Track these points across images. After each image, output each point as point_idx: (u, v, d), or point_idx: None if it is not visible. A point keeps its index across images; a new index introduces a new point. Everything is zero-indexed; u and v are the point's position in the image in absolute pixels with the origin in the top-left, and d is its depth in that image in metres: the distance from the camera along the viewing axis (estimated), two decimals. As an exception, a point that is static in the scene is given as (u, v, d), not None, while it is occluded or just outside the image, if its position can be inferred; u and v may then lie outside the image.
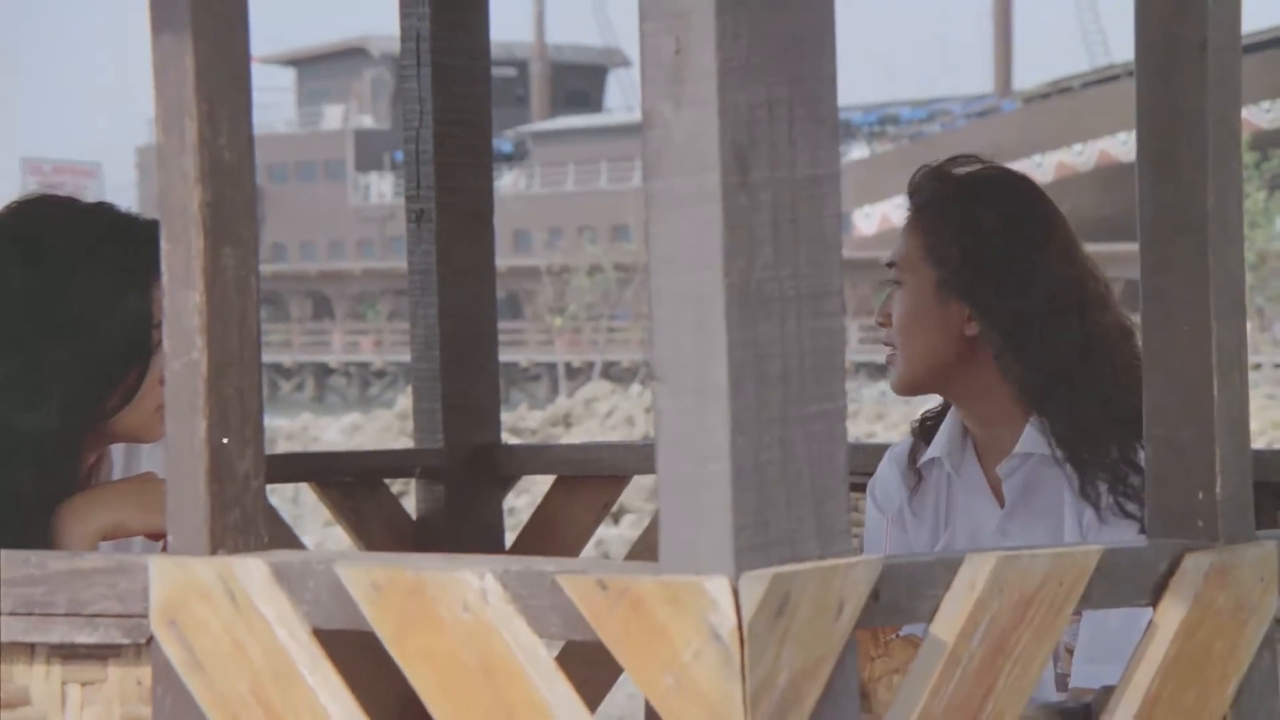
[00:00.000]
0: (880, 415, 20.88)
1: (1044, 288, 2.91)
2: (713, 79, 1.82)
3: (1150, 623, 2.18)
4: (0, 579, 2.23)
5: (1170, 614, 2.17)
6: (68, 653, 2.22)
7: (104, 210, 2.77)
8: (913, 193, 3.02)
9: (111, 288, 2.67)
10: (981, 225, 2.93)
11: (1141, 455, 2.83)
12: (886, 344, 3.00)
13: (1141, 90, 2.27)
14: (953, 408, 3.03)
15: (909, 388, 2.99)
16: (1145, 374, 2.29)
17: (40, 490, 2.63)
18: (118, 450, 2.85)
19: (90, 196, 2.87)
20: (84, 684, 2.23)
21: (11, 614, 2.23)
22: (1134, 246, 2.30)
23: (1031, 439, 2.92)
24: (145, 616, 2.16)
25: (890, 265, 3.01)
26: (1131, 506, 2.83)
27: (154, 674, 2.17)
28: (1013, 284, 2.90)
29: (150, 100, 2.16)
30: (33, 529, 2.60)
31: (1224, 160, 2.25)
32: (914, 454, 3.06)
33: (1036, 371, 2.90)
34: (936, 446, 3.03)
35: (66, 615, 2.21)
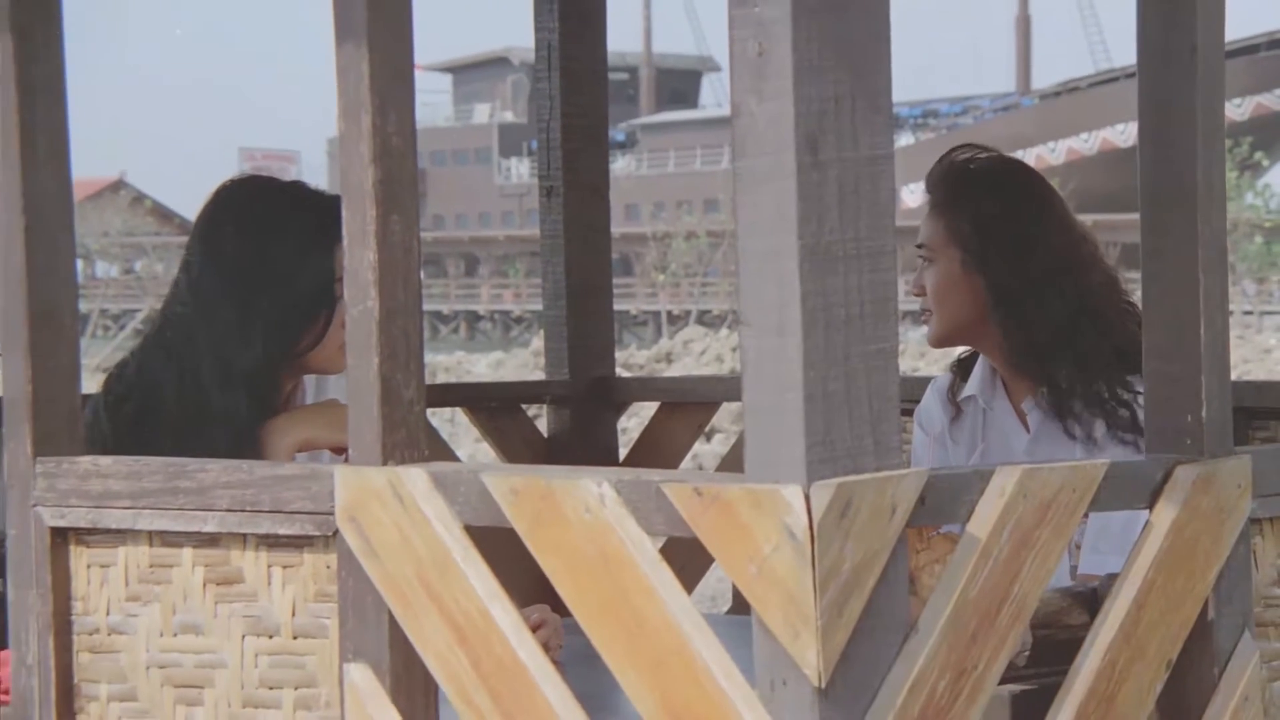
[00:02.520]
0: (923, 354, 20.77)
1: (1036, 259, 2.86)
2: (789, 77, 1.80)
3: (1147, 523, 2.15)
4: (221, 483, 2.24)
5: (1164, 515, 2.14)
6: (272, 542, 2.23)
7: (295, 187, 2.77)
8: (932, 186, 2.97)
9: (301, 249, 2.67)
10: (988, 211, 2.89)
11: (1124, 388, 2.80)
12: (923, 309, 2.98)
13: (1142, 85, 2.23)
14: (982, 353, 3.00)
15: (943, 343, 2.98)
16: (1144, 317, 2.26)
17: (252, 412, 2.64)
18: (309, 380, 2.86)
19: (289, 178, 2.87)
20: (284, 566, 2.23)
21: (228, 510, 2.24)
22: (1131, 216, 2.26)
23: None
24: (332, 514, 2.17)
25: (920, 246, 2.98)
26: (1126, 435, 2.79)
27: (339, 560, 2.17)
28: (1017, 258, 2.87)
29: (335, 97, 2.16)
30: (245, 442, 2.62)
31: (1210, 143, 2.21)
32: (953, 388, 3.04)
33: (1023, 334, 2.86)
34: (971, 385, 3.00)
35: (271, 512, 2.22)
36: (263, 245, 2.67)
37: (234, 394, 2.62)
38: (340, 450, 2.68)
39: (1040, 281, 2.85)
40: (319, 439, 2.67)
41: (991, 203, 2.89)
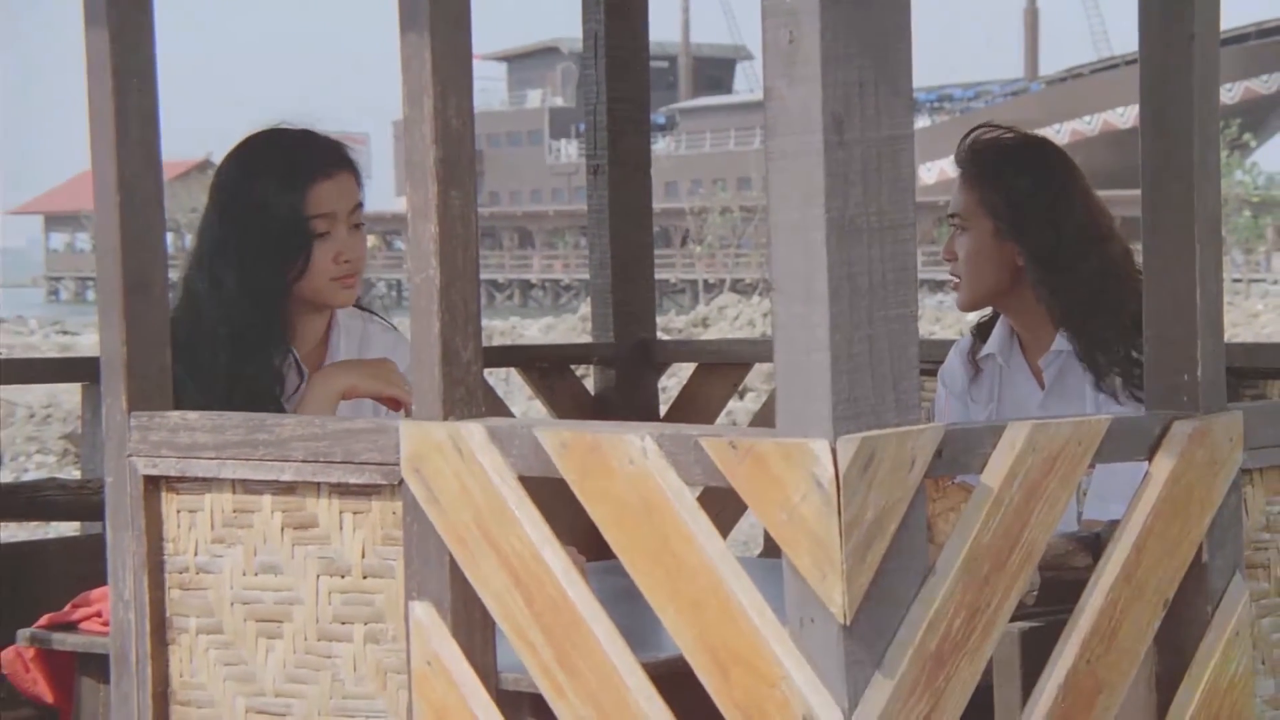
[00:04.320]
0: (938, 319, 20.73)
1: (1070, 227, 2.85)
2: (817, 63, 1.78)
3: (1146, 473, 2.13)
4: (297, 436, 2.25)
5: (1162, 467, 2.12)
6: (343, 490, 2.24)
7: (292, 134, 2.80)
8: (964, 160, 2.95)
9: (275, 186, 2.72)
10: (1019, 183, 2.87)
11: (1139, 350, 2.77)
12: (953, 275, 2.95)
13: (1144, 71, 2.21)
14: (1003, 315, 2.99)
15: (972, 306, 2.96)
16: (1145, 285, 2.24)
17: (243, 320, 2.68)
18: (350, 328, 2.86)
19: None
20: (355, 513, 2.24)
21: (304, 461, 2.24)
22: (1130, 192, 2.24)
23: (1064, 341, 2.88)
24: (397, 465, 2.17)
25: (953, 216, 2.95)
26: (1139, 393, 2.77)
27: (404, 507, 2.17)
28: (1048, 226, 2.85)
29: (400, 83, 2.15)
30: (250, 355, 2.67)
31: (1205, 124, 2.19)
32: (973, 350, 3.03)
33: (1064, 295, 2.85)
34: (991, 345, 2.99)
35: (342, 463, 2.22)
36: (247, 181, 2.73)
37: (229, 302, 2.68)
38: (386, 401, 2.70)
39: (1072, 248, 2.84)
40: (361, 388, 2.70)
41: (1024, 176, 2.87)
